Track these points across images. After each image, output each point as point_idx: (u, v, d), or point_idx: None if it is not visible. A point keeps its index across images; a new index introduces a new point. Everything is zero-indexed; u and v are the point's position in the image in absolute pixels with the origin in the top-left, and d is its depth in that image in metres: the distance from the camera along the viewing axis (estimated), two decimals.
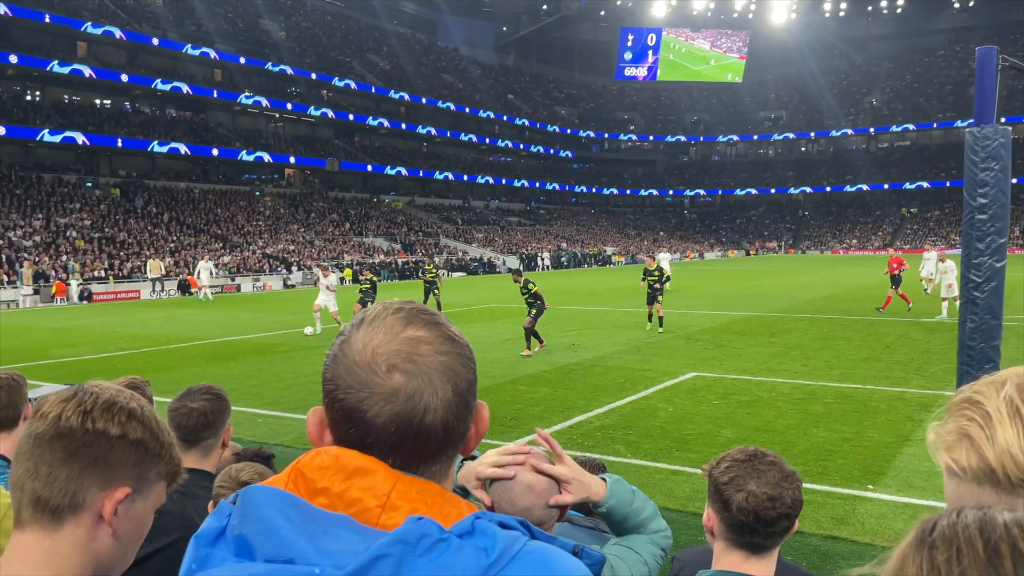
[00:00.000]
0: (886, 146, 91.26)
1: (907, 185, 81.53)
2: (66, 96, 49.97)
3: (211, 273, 32.27)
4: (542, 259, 58.68)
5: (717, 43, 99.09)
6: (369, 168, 64.17)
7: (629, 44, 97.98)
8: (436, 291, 23.16)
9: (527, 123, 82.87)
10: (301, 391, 11.44)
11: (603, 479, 1.65)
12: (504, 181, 78.40)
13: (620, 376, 12.02)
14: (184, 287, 36.32)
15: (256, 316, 23.68)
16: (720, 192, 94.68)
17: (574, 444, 8.12)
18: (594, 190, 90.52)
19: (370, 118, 64.80)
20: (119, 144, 47.14)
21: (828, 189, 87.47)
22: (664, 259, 28.90)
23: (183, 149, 50.42)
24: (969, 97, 49.23)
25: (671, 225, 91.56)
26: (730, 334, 16.67)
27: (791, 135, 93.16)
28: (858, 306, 22.07)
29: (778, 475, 1.69)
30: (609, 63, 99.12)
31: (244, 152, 54.29)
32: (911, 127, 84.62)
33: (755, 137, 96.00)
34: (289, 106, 58.78)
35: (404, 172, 66.65)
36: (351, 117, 63.23)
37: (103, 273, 35.86)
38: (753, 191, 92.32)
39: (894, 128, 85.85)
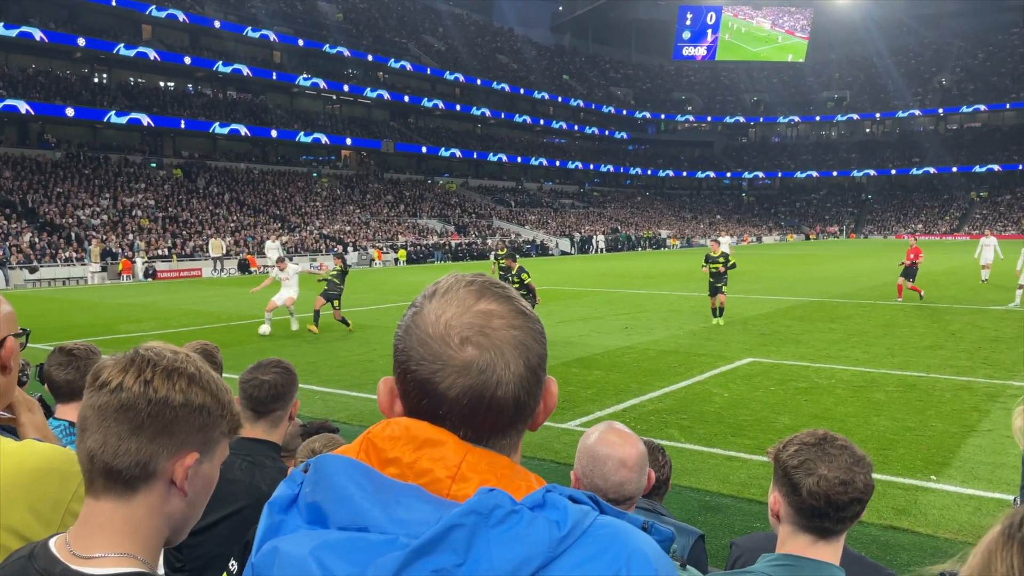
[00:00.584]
0: (955, 127, 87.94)
1: (977, 168, 78.55)
2: (132, 78, 51.42)
3: (278, 251, 32.76)
4: (596, 242, 58.24)
5: (779, 21, 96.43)
6: (424, 150, 64.57)
7: (688, 23, 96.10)
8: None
9: (582, 104, 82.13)
10: (357, 368, 11.61)
11: None
12: (558, 163, 78.02)
13: (674, 360, 11.90)
14: (244, 266, 37.14)
15: (312, 295, 24.03)
16: (780, 175, 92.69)
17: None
18: (649, 172, 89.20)
19: (425, 100, 65.13)
20: (182, 125, 48.39)
21: (893, 172, 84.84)
22: (725, 243, 25.65)
23: (243, 131, 51.45)
24: None
25: (728, 208, 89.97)
26: (788, 319, 16.36)
27: (855, 116, 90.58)
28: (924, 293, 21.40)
29: (850, 459, 1.67)
30: (667, 42, 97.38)
31: (302, 134, 55.13)
32: (982, 107, 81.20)
33: (817, 118, 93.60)
34: (346, 88, 59.47)
35: (458, 154, 66.90)
36: (406, 99, 63.67)
37: (166, 251, 36.93)
38: (814, 174, 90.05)
39: (964, 109, 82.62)
